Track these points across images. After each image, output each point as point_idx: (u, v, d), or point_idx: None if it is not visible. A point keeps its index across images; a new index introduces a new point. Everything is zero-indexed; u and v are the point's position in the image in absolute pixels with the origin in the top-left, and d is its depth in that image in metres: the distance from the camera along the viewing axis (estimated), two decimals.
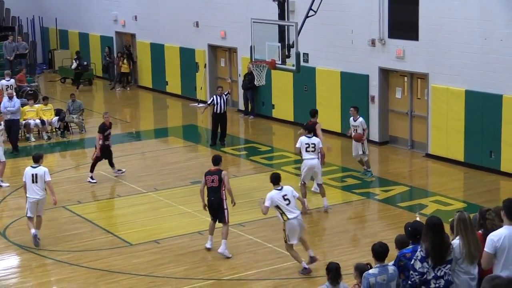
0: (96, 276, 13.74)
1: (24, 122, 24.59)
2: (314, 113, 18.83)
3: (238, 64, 28.23)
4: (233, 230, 15.71)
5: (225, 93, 23.05)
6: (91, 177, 19.61)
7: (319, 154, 17.21)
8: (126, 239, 15.52)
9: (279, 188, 13.41)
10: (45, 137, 24.75)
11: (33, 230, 15.12)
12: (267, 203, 13.31)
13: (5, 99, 23.49)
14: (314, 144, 16.87)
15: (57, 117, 25.11)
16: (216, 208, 14.52)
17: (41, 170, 15.35)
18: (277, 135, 25.48)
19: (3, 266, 14.64)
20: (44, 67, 39.83)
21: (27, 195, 15.30)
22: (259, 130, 25.75)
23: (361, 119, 19.23)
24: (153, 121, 29.07)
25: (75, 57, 35.04)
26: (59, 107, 26.31)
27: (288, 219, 13.18)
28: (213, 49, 29.82)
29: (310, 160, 16.88)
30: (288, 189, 13.45)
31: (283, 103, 26.16)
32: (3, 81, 26.57)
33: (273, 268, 13.83)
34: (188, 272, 13.79)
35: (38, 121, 24.74)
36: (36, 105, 25.67)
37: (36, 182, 15.24)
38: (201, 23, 29.72)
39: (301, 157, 17.10)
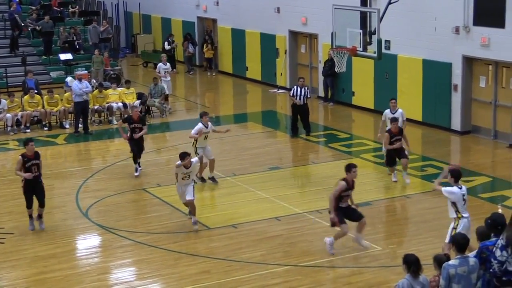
0: (174, 258, 13.91)
1: (107, 105, 25.06)
2: None
3: (319, 51, 28.09)
4: (311, 217, 15.70)
5: (305, 87, 22.61)
6: (136, 169, 19.07)
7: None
8: (204, 222, 15.65)
9: (460, 186, 12.56)
10: None
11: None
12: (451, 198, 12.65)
13: (76, 81, 23.94)
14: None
15: (139, 101, 25.48)
16: None
17: None
18: (356, 122, 25.29)
19: (85, 245, 14.98)
20: (127, 51, 40.48)
21: None
22: (339, 117, 25.60)
23: (400, 110, 18.78)
24: (232, 106, 29.22)
25: (169, 39, 35.36)
26: (140, 91, 26.69)
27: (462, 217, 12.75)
28: (293, 35, 29.73)
29: None
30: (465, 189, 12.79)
31: (363, 90, 25.92)
32: (161, 64, 27.10)
33: (350, 256, 13.74)
34: (265, 257, 13.82)
35: (120, 104, 25.16)
36: (119, 89, 26.11)
37: None
38: (282, 9, 29.66)
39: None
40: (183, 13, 36.65)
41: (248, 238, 14.74)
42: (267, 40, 30.59)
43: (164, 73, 27.09)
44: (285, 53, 29.84)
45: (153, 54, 36.69)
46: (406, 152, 17.75)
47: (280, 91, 29.67)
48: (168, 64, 27.69)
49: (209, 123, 18.24)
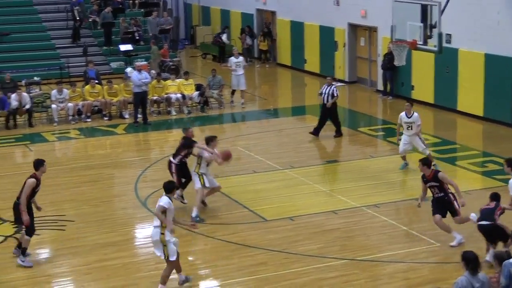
0: (231, 249, 13.99)
1: (165, 96, 25.29)
2: None
3: (378, 44, 27.87)
4: (368, 211, 15.63)
5: (333, 85, 21.98)
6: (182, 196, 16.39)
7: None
8: (261, 214, 15.70)
9: None
10: (186, 111, 25.34)
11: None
12: None
13: (136, 72, 24.16)
14: None
15: (198, 92, 25.64)
16: None
17: None
18: None
19: (144, 234, 15.12)
20: (186, 43, 40.77)
21: None
22: (398, 111, 25.16)
23: (416, 114, 18.34)
24: (290, 98, 29.21)
25: (223, 32, 35.48)
26: (199, 82, 26.85)
27: None
28: (353, 28, 29.56)
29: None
30: None
31: (423, 84, 25.64)
32: (233, 58, 26.53)
33: (407, 251, 13.64)
34: (322, 250, 13.80)
35: (179, 95, 25.36)
36: (178, 80, 26.32)
37: None
38: (342, 2, 29.51)
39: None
40: (242, 5, 36.72)
41: (305, 231, 14.73)
42: (326, 33, 30.47)
43: (235, 67, 26.27)
44: (344, 46, 29.69)
45: (211, 46, 36.86)
46: (456, 205, 13.81)
47: (339, 84, 29.52)
48: (240, 57, 26.80)
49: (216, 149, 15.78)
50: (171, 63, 30.37)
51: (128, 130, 23.52)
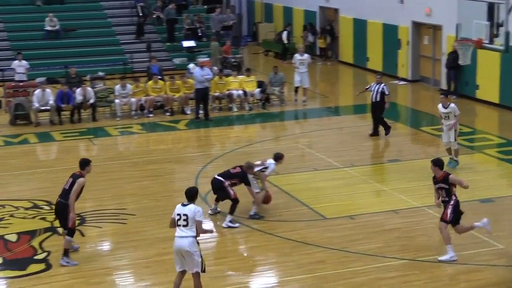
0: (291, 246, 13.95)
1: (227, 92, 25.37)
2: None
3: (443, 42, 27.49)
4: (429, 211, 15.41)
5: (381, 84, 21.58)
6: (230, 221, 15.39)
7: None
8: (321, 212, 15.64)
9: None
10: (247, 108, 25.40)
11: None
12: None
13: (198, 68, 24.27)
14: None
15: (259, 89, 25.67)
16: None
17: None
18: (480, 116, 24.61)
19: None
20: (249, 40, 40.87)
21: None
22: (461, 111, 24.75)
23: (452, 105, 18.22)
24: (352, 96, 29.02)
25: (284, 29, 35.46)
26: (261, 79, 26.87)
27: None
28: (417, 26, 29.22)
29: None
30: None
31: (488, 83, 25.20)
32: (297, 55, 26.29)
33: (469, 253, 13.40)
34: (381, 250, 13.67)
35: (240, 92, 25.42)
36: (239, 76, 26.38)
37: None
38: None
39: None
40: (305, 2, 36.64)
41: (365, 230, 14.61)
42: (389, 31, 30.19)
43: (299, 64, 26.02)
44: (408, 44, 29.37)
45: (274, 43, 36.88)
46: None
47: (401, 82, 29.25)
48: (305, 55, 26.49)
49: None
50: (233, 60, 30.49)
51: (189, 125, 23.67)
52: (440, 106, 18.38)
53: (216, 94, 25.30)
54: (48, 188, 17.29)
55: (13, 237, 14.46)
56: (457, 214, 13.11)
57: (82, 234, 14.63)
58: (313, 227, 14.90)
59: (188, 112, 24.89)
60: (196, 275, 11.55)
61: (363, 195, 16.77)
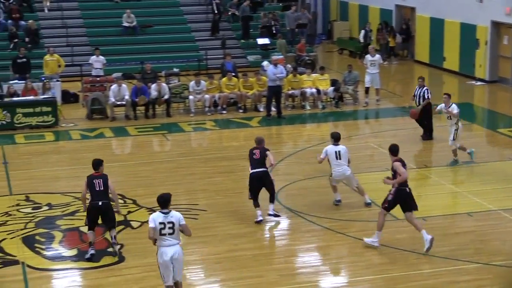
0: (362, 246, 13.84)
1: (300, 90, 25.32)
2: None
3: None
4: (505, 215, 15.11)
5: (425, 86, 21.18)
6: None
7: None
8: (392, 213, 15.42)
9: None
10: (320, 106, 25.31)
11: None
12: None
13: (271, 66, 24.27)
14: None
15: (333, 87, 25.54)
16: None
17: (343, 147, 15.63)
18: None
19: (274, 227, 15.23)
20: (323, 38, 40.73)
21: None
22: None
23: (454, 105, 18.59)
24: None
25: (364, 28, 35.20)
26: (334, 78, 26.73)
27: None
28: (496, 25, 28.63)
29: None
30: None
31: None
32: (368, 56, 26.10)
33: None
34: (454, 252, 13.44)
35: (314, 90, 25.33)
36: (313, 74, 26.29)
37: (340, 158, 15.51)
38: None
39: None
40: (381, 1, 36.30)
41: (437, 232, 14.35)
42: (467, 31, 29.67)
43: (370, 65, 25.73)
44: (486, 44, 28.81)
45: (349, 41, 36.66)
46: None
47: (479, 83, 28.73)
48: (376, 55, 26.05)
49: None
50: (307, 58, 30.41)
51: (262, 123, 23.72)
52: (442, 106, 18.73)
53: (290, 92, 25.27)
54: (122, 182, 17.56)
55: (87, 229, 14.71)
56: (394, 202, 13.59)
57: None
58: (384, 227, 14.64)
59: (261, 109, 24.93)
60: (180, 283, 11.36)
61: (437, 196, 16.52)
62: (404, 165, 13.53)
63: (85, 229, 14.13)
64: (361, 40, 34.80)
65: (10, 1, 33.18)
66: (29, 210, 15.99)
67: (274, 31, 33.57)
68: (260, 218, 15.09)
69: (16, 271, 13.13)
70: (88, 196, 13.64)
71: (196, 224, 15.10)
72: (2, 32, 31.83)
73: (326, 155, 15.54)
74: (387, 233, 14.42)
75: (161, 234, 10.93)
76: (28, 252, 13.85)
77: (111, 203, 13.55)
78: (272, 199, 15.32)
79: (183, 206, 15.93)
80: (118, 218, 14.91)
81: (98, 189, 13.43)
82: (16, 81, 25.70)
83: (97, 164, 13.75)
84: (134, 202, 16.34)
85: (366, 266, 13.04)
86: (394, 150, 13.80)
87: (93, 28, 33.52)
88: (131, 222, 15.14)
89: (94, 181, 13.50)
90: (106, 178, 13.57)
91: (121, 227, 14.89)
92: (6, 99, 23.54)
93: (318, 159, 15.74)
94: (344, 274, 13.09)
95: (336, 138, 15.65)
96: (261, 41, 32.61)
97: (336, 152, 15.49)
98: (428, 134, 21.13)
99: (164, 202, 11.12)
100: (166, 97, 24.46)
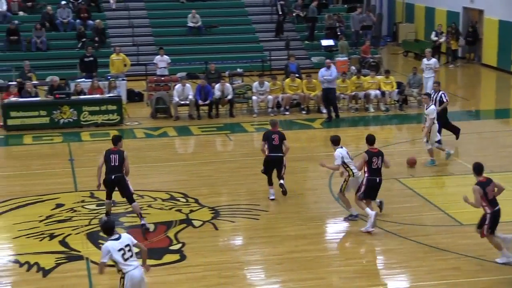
0: (424, 251, 13.67)
1: (364, 92, 25.15)
2: None
3: None
4: None
5: (440, 92, 20.48)
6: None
7: None
8: (457, 218, 15.23)
9: None
10: (383, 109, 25.10)
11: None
12: None
13: (323, 68, 24.14)
14: None
15: (397, 90, 25.29)
16: None
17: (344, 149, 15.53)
18: None
19: (335, 230, 15.19)
20: (388, 40, 40.39)
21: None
22: None
23: (432, 107, 18.62)
24: (494, 100, 28.13)
25: (435, 30, 34.77)
26: (399, 80, 26.46)
27: None
28: None
29: None
30: None
31: None
32: (424, 60, 25.82)
33: None
34: None
35: (378, 92, 25.14)
36: (378, 77, 26.08)
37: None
38: None
39: None
40: (448, 3, 35.79)
41: None
42: None
43: (425, 69, 25.33)
44: None
45: (414, 44, 36.27)
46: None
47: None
48: (432, 59, 25.64)
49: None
50: (371, 60, 30.20)
51: (324, 124, 23.62)
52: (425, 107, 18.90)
53: (353, 93, 25.12)
54: (185, 181, 17.70)
55: (150, 227, 14.89)
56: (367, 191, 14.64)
57: (216, 228, 14.89)
58: (448, 232, 14.54)
59: (324, 111, 24.83)
60: None
61: (503, 202, 16.11)
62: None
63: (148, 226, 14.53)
64: (433, 38, 34.21)
65: (79, 1, 33.77)
66: (93, 206, 16.25)
67: (338, 33, 33.41)
68: (273, 196, 16.28)
69: (80, 266, 13.34)
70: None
71: (257, 225, 15.14)
72: (71, 32, 32.40)
73: (342, 160, 15.25)
74: (450, 238, 14.24)
75: (124, 259, 10.55)
76: (92, 248, 14.05)
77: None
78: (279, 176, 16.30)
79: (244, 206, 15.98)
80: (180, 216, 15.08)
81: (113, 164, 14.38)
82: (83, 79, 26.15)
83: (116, 139, 14.76)
84: (196, 201, 16.44)
85: (428, 272, 12.86)
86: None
87: (158, 28, 33.86)
88: (193, 221, 15.24)
89: (111, 156, 14.44)
90: (122, 153, 14.48)
91: (183, 225, 15.02)
92: (73, 97, 23.94)
93: (338, 169, 15.43)
94: (406, 278, 12.93)
95: (336, 142, 15.61)
96: (325, 42, 32.50)
97: (347, 152, 15.41)
98: (457, 134, 20.96)
99: (109, 229, 10.87)
100: (229, 97, 24.56)
